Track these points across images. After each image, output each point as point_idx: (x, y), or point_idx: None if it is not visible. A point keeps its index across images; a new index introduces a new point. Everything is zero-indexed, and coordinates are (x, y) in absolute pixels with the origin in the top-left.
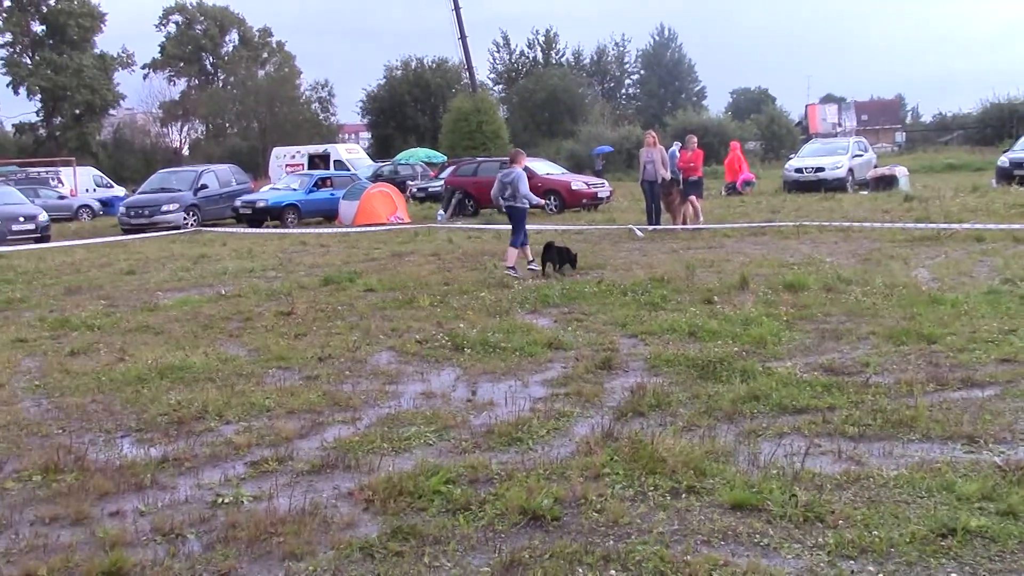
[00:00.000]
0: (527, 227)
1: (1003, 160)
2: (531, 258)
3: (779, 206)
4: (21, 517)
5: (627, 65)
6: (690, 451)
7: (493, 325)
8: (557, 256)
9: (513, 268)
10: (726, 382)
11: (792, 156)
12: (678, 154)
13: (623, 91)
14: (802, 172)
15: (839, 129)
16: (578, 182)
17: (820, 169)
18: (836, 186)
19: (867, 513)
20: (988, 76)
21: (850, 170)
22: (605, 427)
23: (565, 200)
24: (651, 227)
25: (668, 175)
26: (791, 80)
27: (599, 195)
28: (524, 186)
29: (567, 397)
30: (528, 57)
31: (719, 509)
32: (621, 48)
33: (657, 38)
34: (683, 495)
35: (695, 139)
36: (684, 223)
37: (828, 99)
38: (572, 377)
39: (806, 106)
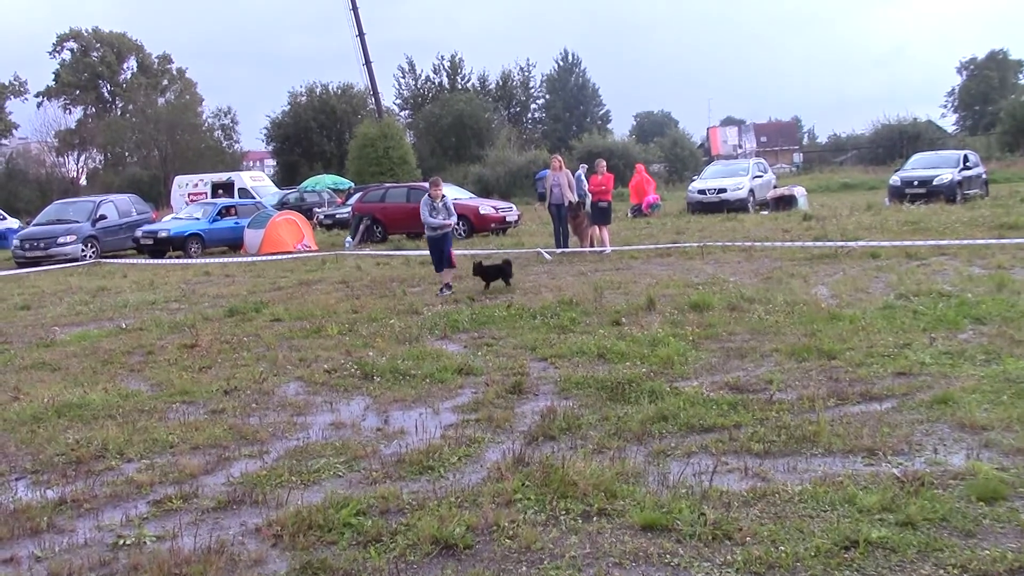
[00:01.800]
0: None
1: (895, 179)
2: (445, 282)
3: (684, 227)
4: None
5: (532, 90)
6: (601, 473)
7: (403, 352)
8: (492, 272)
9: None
10: (635, 403)
11: (695, 178)
12: (584, 177)
13: (529, 115)
14: (705, 193)
15: (740, 151)
16: (486, 206)
17: (722, 190)
18: (738, 207)
19: (773, 529)
20: (880, 98)
21: (751, 191)
22: (516, 452)
23: (474, 224)
24: (559, 250)
25: (575, 198)
26: (693, 103)
27: (507, 219)
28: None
29: (478, 423)
30: (434, 82)
31: (630, 531)
32: (526, 73)
33: (561, 63)
34: (594, 518)
35: (604, 163)
36: (592, 246)
37: (728, 121)
38: (483, 403)
39: (708, 128)
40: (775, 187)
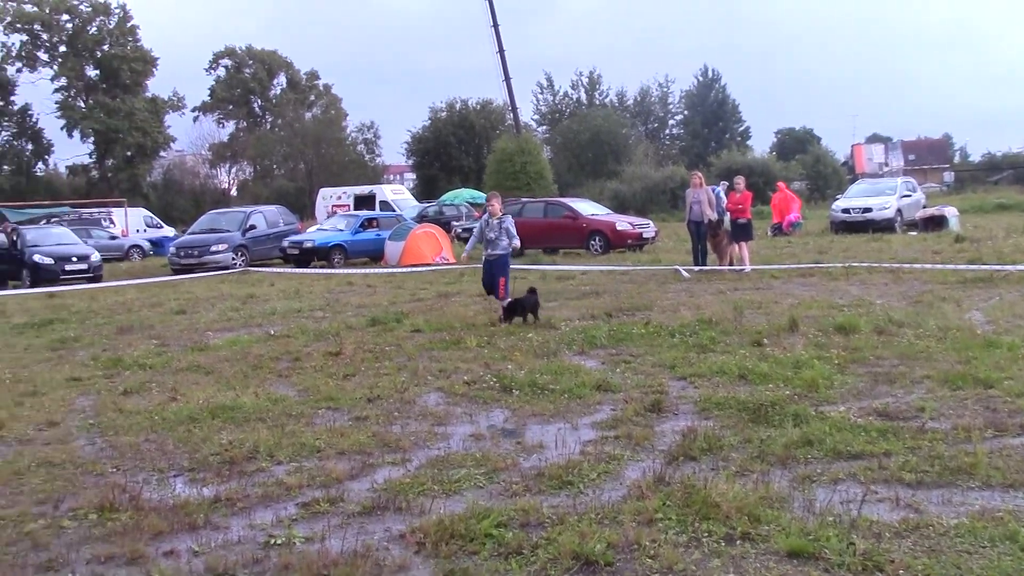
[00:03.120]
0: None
1: None
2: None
3: (826, 247)
4: (78, 555)
5: (671, 106)
6: (744, 496)
7: (541, 366)
8: (525, 307)
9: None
10: (778, 426)
11: (839, 196)
12: (723, 194)
13: (667, 131)
14: (849, 212)
15: (886, 169)
16: (623, 223)
17: (868, 209)
18: (884, 227)
19: (928, 563)
20: None
21: (898, 210)
22: (656, 471)
23: (610, 240)
24: (697, 268)
25: (715, 216)
26: (836, 120)
27: (644, 235)
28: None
29: (617, 440)
30: (572, 98)
31: (775, 556)
32: (665, 89)
33: (701, 79)
34: (738, 541)
35: (743, 180)
36: (731, 264)
37: (874, 139)
38: (622, 420)
39: (852, 146)
40: (924, 207)
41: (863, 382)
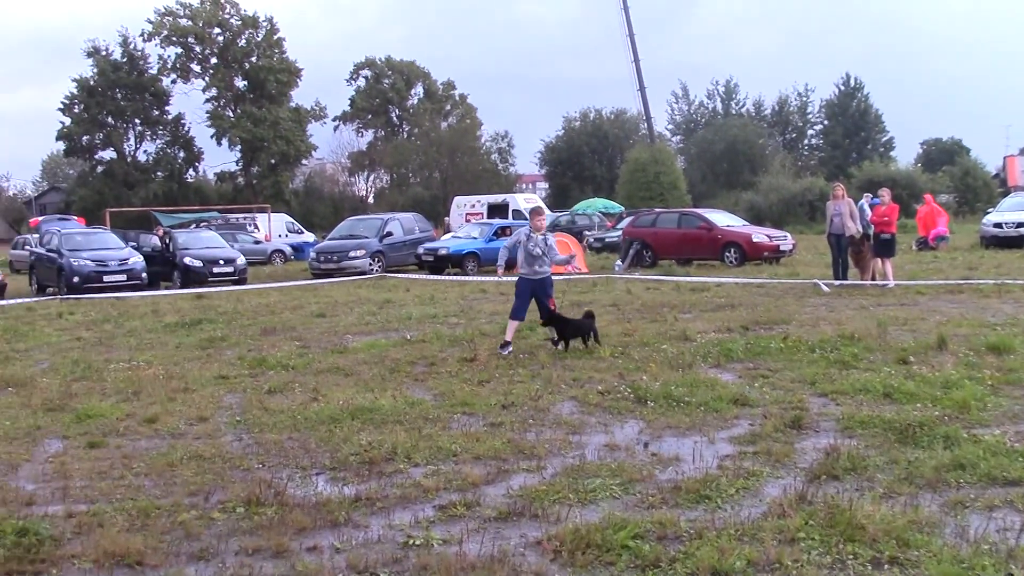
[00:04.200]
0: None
1: None
2: (508, 340)
3: (976, 263)
4: (227, 547)
5: (810, 115)
6: (891, 520)
7: (676, 378)
8: (571, 329)
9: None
10: (927, 448)
11: (990, 210)
12: (868, 208)
13: (805, 142)
14: (1002, 227)
15: None
16: (759, 234)
17: (1022, 224)
18: None
19: None
20: None
21: None
22: (798, 489)
23: (746, 252)
24: (837, 282)
25: (857, 228)
26: (987, 130)
27: (781, 248)
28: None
29: (756, 456)
30: (707, 107)
31: None
32: (804, 98)
33: (842, 88)
34: (885, 566)
35: (888, 192)
36: (873, 279)
37: None
38: (760, 435)
39: (1004, 158)
40: None
41: (1020, 405)
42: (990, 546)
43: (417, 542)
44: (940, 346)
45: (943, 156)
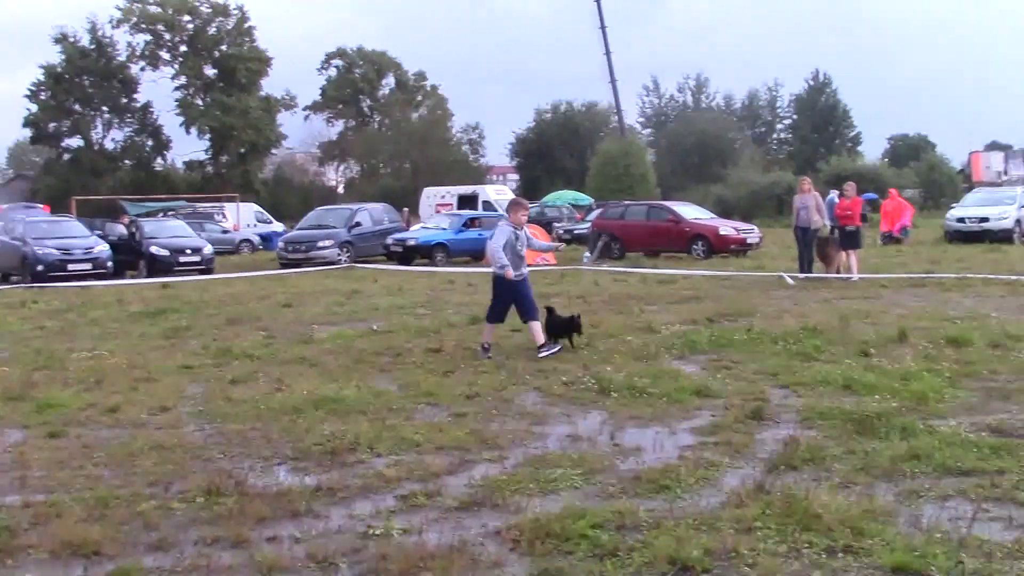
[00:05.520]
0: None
1: None
2: (489, 343)
3: (939, 257)
4: (186, 536)
5: (779, 110)
6: (847, 509)
7: (640, 370)
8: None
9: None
10: (884, 439)
11: (954, 205)
12: (836, 201)
13: (774, 136)
14: (965, 222)
15: (1005, 178)
16: (727, 227)
17: (985, 219)
18: (1002, 237)
19: None
20: None
21: (1018, 221)
22: (756, 479)
23: (713, 245)
24: (803, 275)
25: (824, 222)
26: (953, 126)
27: (748, 241)
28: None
29: (716, 446)
30: (678, 101)
31: (878, 571)
32: (773, 93)
33: (811, 83)
34: (840, 554)
35: (853, 186)
36: (838, 272)
37: (993, 146)
38: (721, 426)
39: (969, 153)
40: None
41: (976, 397)
42: (942, 534)
43: (377, 532)
44: (901, 339)
45: (910, 151)
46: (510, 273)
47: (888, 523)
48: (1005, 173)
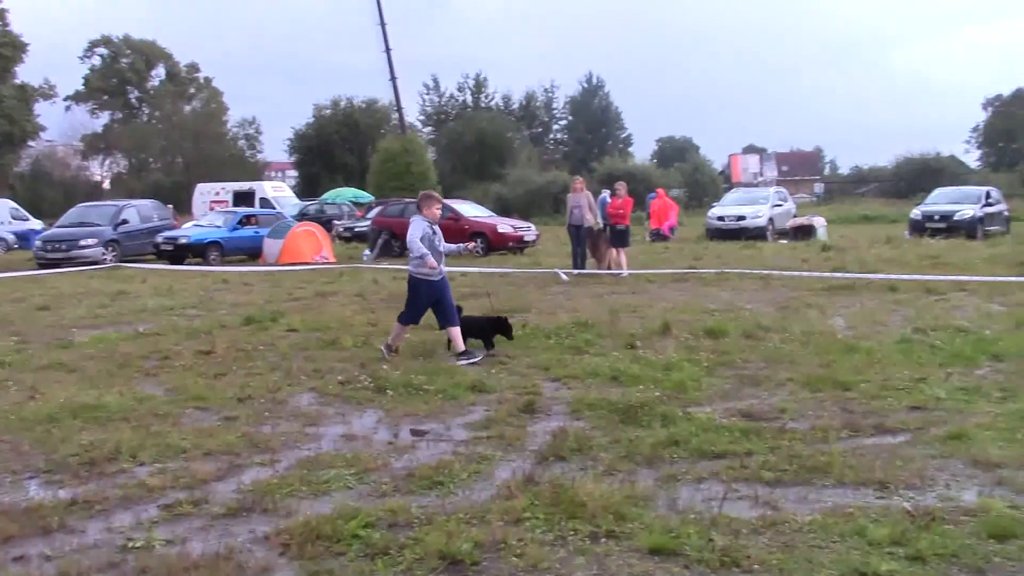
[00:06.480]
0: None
1: (916, 213)
2: (395, 344)
3: (702, 253)
4: None
5: (555, 111)
6: (610, 495)
7: (417, 367)
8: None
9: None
10: (647, 427)
11: (715, 204)
12: (608, 200)
13: (551, 136)
14: (724, 220)
15: (760, 179)
16: (504, 225)
17: (741, 218)
18: (757, 235)
19: (782, 558)
20: (903, 132)
21: (770, 219)
22: (526, 471)
23: (491, 242)
24: (576, 271)
25: (596, 220)
26: (715, 130)
27: (525, 239)
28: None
29: (489, 440)
30: (458, 100)
31: (638, 554)
32: (550, 94)
33: (585, 85)
34: (603, 539)
35: (624, 186)
36: (609, 268)
37: (750, 149)
38: (495, 420)
39: (729, 156)
40: (795, 216)
41: (730, 384)
42: (696, 515)
43: (138, 544)
44: (664, 331)
45: (676, 153)
46: (432, 262)
47: (648, 507)
48: (761, 174)
